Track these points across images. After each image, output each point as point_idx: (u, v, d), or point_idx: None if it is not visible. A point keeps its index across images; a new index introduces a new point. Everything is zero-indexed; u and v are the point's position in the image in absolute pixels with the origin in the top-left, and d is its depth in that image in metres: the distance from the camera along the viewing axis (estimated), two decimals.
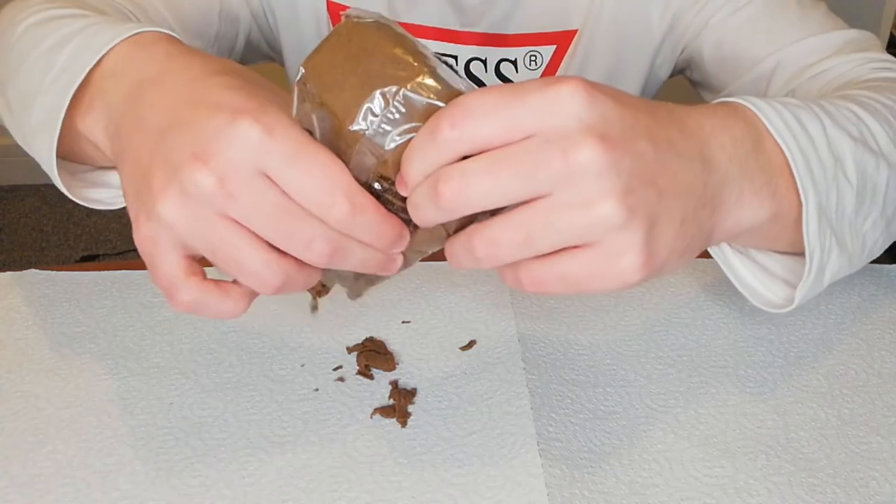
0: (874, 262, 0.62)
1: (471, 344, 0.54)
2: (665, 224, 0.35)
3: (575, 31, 0.69)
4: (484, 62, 0.70)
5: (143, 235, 0.38)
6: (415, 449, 0.46)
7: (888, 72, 0.58)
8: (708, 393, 0.50)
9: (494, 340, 0.54)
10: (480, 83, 0.71)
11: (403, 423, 0.48)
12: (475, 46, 0.69)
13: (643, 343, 0.55)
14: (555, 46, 0.69)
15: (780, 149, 0.41)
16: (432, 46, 0.62)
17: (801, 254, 0.43)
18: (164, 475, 0.45)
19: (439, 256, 0.64)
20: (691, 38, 0.69)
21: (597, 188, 0.33)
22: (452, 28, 0.69)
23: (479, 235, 0.35)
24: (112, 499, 0.44)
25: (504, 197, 0.34)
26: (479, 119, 0.33)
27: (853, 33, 0.63)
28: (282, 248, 0.36)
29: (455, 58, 0.70)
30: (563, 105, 0.33)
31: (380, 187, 0.37)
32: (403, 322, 0.57)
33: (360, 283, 0.45)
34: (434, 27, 0.69)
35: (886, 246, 0.50)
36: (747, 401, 0.50)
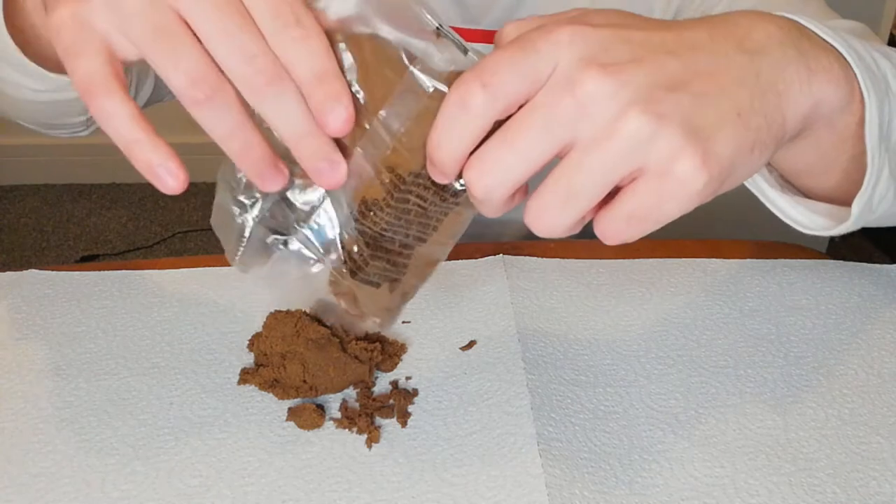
0: (874, 262, 0.62)
1: (471, 344, 0.54)
2: (714, 121, 0.33)
3: None
4: None
5: (67, 16, 0.34)
6: (415, 449, 0.46)
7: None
8: (708, 393, 0.50)
9: (494, 340, 0.54)
10: None
11: (403, 424, 0.48)
12: (478, 44, 0.69)
13: (643, 343, 0.55)
14: None
15: (829, 44, 0.39)
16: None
17: (840, 202, 0.43)
18: (164, 475, 0.45)
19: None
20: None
21: (613, 110, 0.32)
22: (455, 25, 0.69)
23: (527, 211, 0.34)
24: (112, 499, 0.44)
25: (531, 162, 0.33)
26: (506, 74, 0.32)
27: (850, 24, 0.63)
28: (222, 54, 0.33)
29: None
30: (563, 50, 0.32)
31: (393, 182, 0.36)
32: (403, 322, 0.57)
33: (395, 295, 0.42)
34: None
35: None
36: (747, 401, 0.50)
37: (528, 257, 0.63)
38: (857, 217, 0.43)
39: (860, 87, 0.40)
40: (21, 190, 2.31)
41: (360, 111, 0.35)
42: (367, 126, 0.36)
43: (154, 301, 0.60)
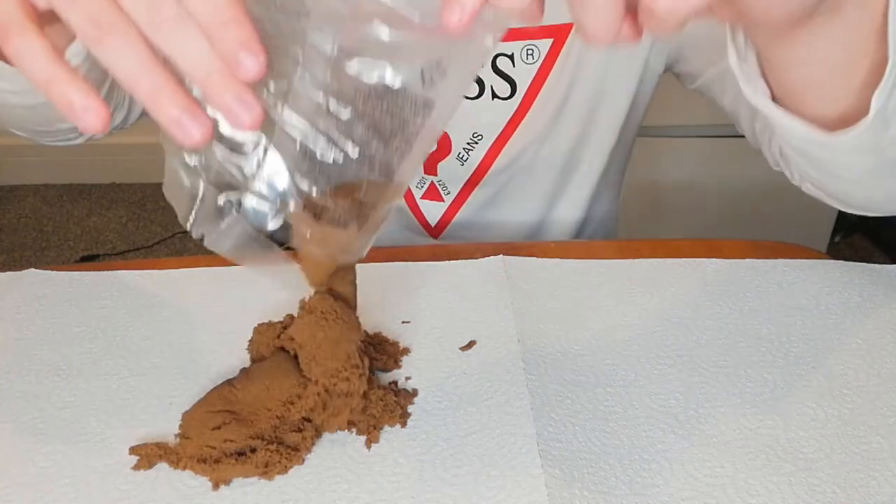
0: (874, 262, 0.62)
1: (471, 344, 0.54)
2: None
3: (571, 25, 0.69)
4: None
5: None
6: (415, 449, 0.46)
7: None
8: (708, 393, 0.50)
9: (494, 340, 0.54)
10: (477, 78, 0.71)
11: (403, 424, 0.48)
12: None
13: (643, 343, 0.55)
14: (552, 40, 0.69)
15: None
16: None
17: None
18: (164, 475, 0.45)
19: (441, 256, 0.64)
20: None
21: None
22: None
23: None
24: (112, 499, 0.44)
25: None
26: None
27: None
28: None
29: None
30: None
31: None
32: (403, 322, 0.57)
33: (366, 230, 0.40)
34: None
35: None
36: (747, 401, 0.50)
37: (527, 258, 0.63)
38: (875, 114, 0.42)
39: None
40: (21, 190, 2.31)
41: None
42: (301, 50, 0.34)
43: (154, 301, 0.60)
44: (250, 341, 0.53)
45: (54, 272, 0.63)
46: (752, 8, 0.36)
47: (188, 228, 0.38)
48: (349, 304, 0.51)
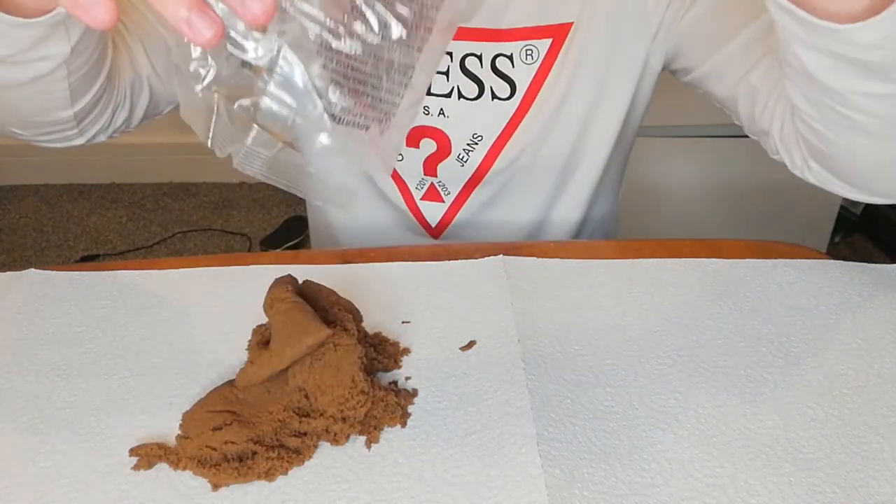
0: (874, 262, 0.62)
1: (471, 344, 0.54)
2: None
3: (570, 24, 0.69)
4: (479, 57, 0.70)
5: None
6: (415, 449, 0.46)
7: None
8: (708, 393, 0.50)
9: (494, 340, 0.54)
10: (477, 79, 0.71)
11: (403, 424, 0.48)
12: (470, 42, 0.69)
13: (643, 343, 0.55)
14: (551, 40, 0.69)
15: None
16: None
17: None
18: (164, 475, 0.45)
19: (441, 256, 0.64)
20: (682, 19, 0.68)
21: None
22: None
23: None
24: (112, 499, 0.44)
25: None
26: None
27: None
28: None
29: (450, 54, 0.70)
30: None
31: None
32: (403, 322, 0.57)
33: (389, 133, 0.38)
34: None
35: None
36: (747, 401, 0.50)
37: (527, 258, 0.63)
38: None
39: None
40: (21, 190, 2.31)
41: None
42: None
43: (154, 301, 0.60)
44: (250, 342, 0.53)
45: (54, 272, 0.63)
46: None
47: (210, 145, 0.36)
48: (349, 309, 0.51)
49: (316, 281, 0.53)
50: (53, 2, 0.43)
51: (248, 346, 0.53)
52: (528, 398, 0.49)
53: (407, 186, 0.78)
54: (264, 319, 0.52)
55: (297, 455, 0.45)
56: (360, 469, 0.45)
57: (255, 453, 0.45)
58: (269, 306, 0.49)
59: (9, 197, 2.30)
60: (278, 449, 0.45)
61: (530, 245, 0.66)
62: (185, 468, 0.45)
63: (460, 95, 0.71)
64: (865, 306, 0.58)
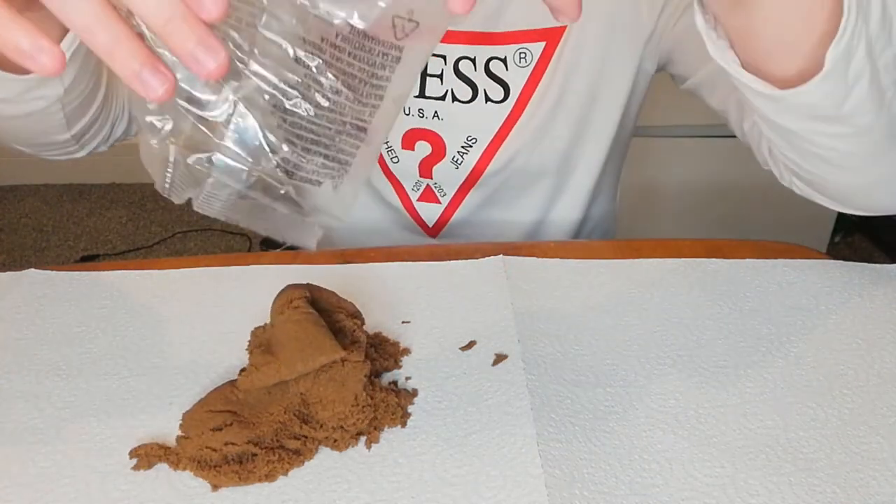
0: (874, 262, 0.62)
1: (471, 344, 0.54)
2: None
3: (564, 27, 0.69)
4: (473, 60, 0.70)
5: None
6: (415, 449, 0.46)
7: None
8: (708, 393, 0.50)
9: (494, 340, 0.54)
10: (470, 82, 0.71)
11: (403, 424, 0.48)
12: (464, 45, 0.69)
13: (643, 343, 0.55)
14: (544, 43, 0.69)
15: None
16: None
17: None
18: (164, 475, 0.45)
19: (441, 256, 0.64)
20: (675, 25, 0.69)
21: None
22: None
23: None
24: (112, 499, 0.44)
25: None
26: None
27: None
28: None
29: (444, 57, 0.70)
30: None
31: None
32: (403, 322, 0.57)
33: (342, 190, 0.38)
34: None
35: (891, 119, 0.49)
36: (747, 401, 0.50)
37: (527, 258, 0.63)
38: (830, 71, 0.43)
39: None
40: (21, 190, 2.31)
41: None
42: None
43: (154, 301, 0.60)
44: (250, 343, 0.53)
45: (54, 272, 0.63)
46: None
47: (167, 194, 0.37)
48: (351, 312, 0.51)
49: (316, 280, 0.53)
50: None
51: (248, 347, 0.53)
52: (528, 398, 0.49)
53: (403, 188, 0.79)
54: (264, 320, 0.52)
55: (298, 456, 0.45)
56: (360, 469, 0.45)
57: (255, 455, 0.45)
58: (278, 310, 0.48)
59: (9, 197, 2.30)
60: (278, 451, 0.45)
61: (530, 245, 0.66)
62: (185, 468, 0.45)
63: (454, 98, 0.71)
64: (865, 306, 0.58)
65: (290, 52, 0.34)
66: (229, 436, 0.45)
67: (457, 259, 0.64)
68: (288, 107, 0.35)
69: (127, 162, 2.28)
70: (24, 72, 0.49)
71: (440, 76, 0.70)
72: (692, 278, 0.61)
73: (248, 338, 0.53)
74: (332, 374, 0.46)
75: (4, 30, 0.32)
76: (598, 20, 0.68)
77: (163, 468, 0.45)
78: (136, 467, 0.45)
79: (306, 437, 0.46)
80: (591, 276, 0.62)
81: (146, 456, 0.45)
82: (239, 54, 0.34)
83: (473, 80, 0.71)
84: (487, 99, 0.71)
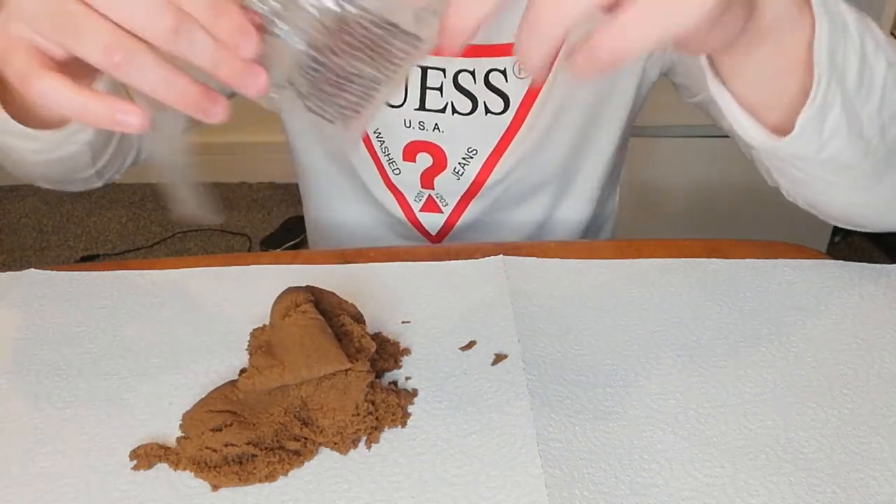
0: (874, 262, 0.62)
1: (470, 344, 0.54)
2: None
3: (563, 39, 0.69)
4: (472, 73, 0.70)
5: None
6: (414, 449, 0.46)
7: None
8: (708, 393, 0.50)
9: (494, 340, 0.54)
10: (470, 94, 0.71)
11: (403, 424, 0.48)
12: (463, 58, 0.70)
13: (643, 343, 0.55)
14: None
15: None
16: None
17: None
18: (164, 475, 0.45)
19: (441, 256, 0.64)
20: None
21: None
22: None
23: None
24: (112, 499, 0.44)
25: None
26: None
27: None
28: (125, 20, 0.36)
29: (443, 70, 0.70)
30: None
31: None
32: (403, 322, 0.57)
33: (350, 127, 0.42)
34: None
35: (877, 161, 0.51)
36: (747, 401, 0.50)
37: (528, 258, 0.63)
38: (800, 131, 0.46)
39: (812, 11, 0.43)
40: (21, 190, 2.31)
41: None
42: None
43: (154, 301, 0.60)
44: (249, 345, 0.53)
45: (54, 272, 0.63)
46: (688, 45, 0.40)
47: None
48: (353, 314, 0.51)
49: (316, 280, 0.53)
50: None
51: (248, 348, 0.53)
52: (528, 398, 0.49)
53: (405, 198, 0.79)
54: (264, 320, 0.52)
55: (298, 457, 0.45)
56: (360, 469, 0.45)
57: (254, 456, 0.45)
58: (282, 313, 0.48)
59: (9, 197, 2.30)
60: (278, 452, 0.45)
61: (530, 245, 0.66)
62: (185, 469, 0.45)
63: (454, 110, 0.72)
64: (865, 306, 0.58)
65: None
66: (229, 436, 0.45)
67: (457, 259, 0.64)
68: (317, 45, 0.38)
69: None
70: (60, 124, 0.54)
71: (440, 89, 0.71)
72: (692, 278, 0.61)
73: (248, 338, 0.54)
74: (335, 381, 0.46)
75: (96, 109, 0.38)
76: None
77: (163, 468, 0.45)
78: (136, 467, 0.45)
79: (306, 438, 0.46)
80: (591, 276, 0.62)
81: (146, 456, 0.45)
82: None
83: (473, 92, 0.71)
84: (487, 111, 0.71)
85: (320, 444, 0.46)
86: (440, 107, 0.72)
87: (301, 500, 0.43)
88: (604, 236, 0.89)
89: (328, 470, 0.45)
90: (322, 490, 0.44)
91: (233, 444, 0.45)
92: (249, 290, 0.60)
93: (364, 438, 0.47)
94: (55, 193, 2.31)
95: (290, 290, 0.50)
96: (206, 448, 0.45)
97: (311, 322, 0.47)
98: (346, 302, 0.52)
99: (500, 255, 0.63)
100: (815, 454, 0.46)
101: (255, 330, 0.53)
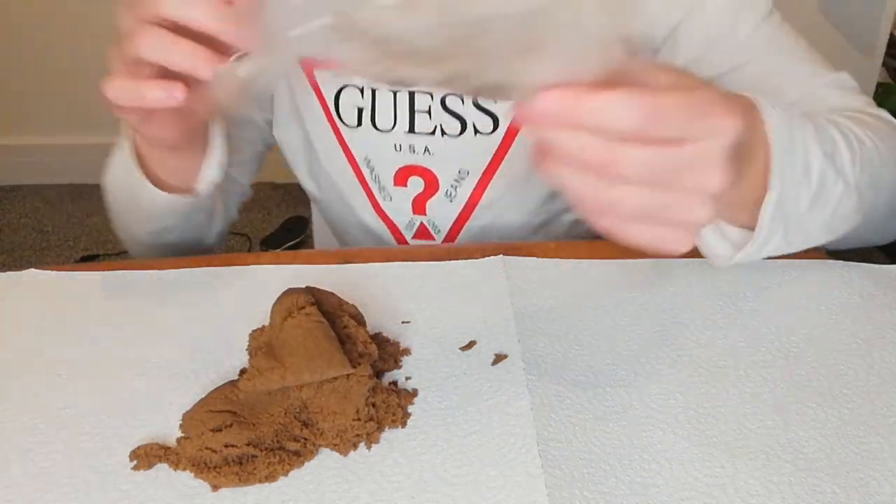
0: (874, 262, 0.62)
1: (470, 344, 0.54)
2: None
3: None
4: (460, 95, 0.70)
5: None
6: (415, 449, 0.46)
7: (869, 107, 0.65)
8: (708, 393, 0.50)
9: (494, 340, 0.54)
10: (459, 116, 0.71)
11: (403, 424, 0.48)
12: None
13: (643, 343, 0.55)
14: None
15: (769, 144, 0.47)
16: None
17: (751, 228, 0.50)
18: (164, 475, 0.45)
19: (441, 256, 0.64)
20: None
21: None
22: None
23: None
24: (112, 499, 0.44)
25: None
26: (663, 122, 0.36)
27: (833, 77, 0.68)
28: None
29: (430, 94, 0.71)
30: (718, 138, 0.37)
31: None
32: (403, 322, 0.57)
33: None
34: None
35: (830, 240, 0.56)
36: (747, 401, 0.50)
37: (527, 258, 0.63)
38: (739, 261, 0.52)
39: (769, 181, 0.47)
40: (21, 190, 2.31)
41: None
42: None
43: (154, 301, 0.60)
44: (249, 346, 0.53)
45: (54, 272, 0.63)
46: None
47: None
48: (354, 315, 0.51)
49: (316, 280, 0.53)
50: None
51: (248, 350, 0.53)
52: (528, 398, 0.49)
53: (397, 227, 0.79)
54: (264, 320, 0.52)
55: (298, 457, 0.45)
56: (361, 469, 0.45)
57: (254, 457, 0.45)
58: (284, 314, 0.48)
59: (9, 197, 2.30)
60: (279, 452, 0.45)
61: (530, 245, 0.66)
62: (185, 469, 0.45)
63: (444, 132, 0.72)
64: (865, 306, 0.58)
65: None
66: (229, 437, 0.45)
67: (457, 259, 0.64)
68: None
69: None
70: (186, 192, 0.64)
71: (428, 112, 0.71)
72: (692, 278, 0.61)
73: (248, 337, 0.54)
74: (336, 385, 0.46)
75: (146, 91, 0.49)
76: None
77: (163, 468, 0.45)
78: (136, 467, 0.45)
79: (306, 439, 0.46)
80: (591, 276, 0.62)
81: (146, 456, 0.45)
82: None
83: (461, 113, 0.71)
84: (477, 131, 0.72)
85: (320, 445, 0.46)
86: (430, 129, 0.72)
87: (301, 500, 0.43)
88: (602, 237, 0.89)
89: (328, 470, 0.45)
90: (322, 490, 0.44)
91: (233, 445, 0.45)
92: (249, 290, 0.60)
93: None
94: (55, 193, 2.32)
95: (290, 292, 0.49)
96: (206, 448, 0.45)
97: (316, 325, 0.47)
98: (347, 303, 0.52)
99: (500, 255, 0.63)
100: (815, 454, 0.46)
101: (254, 331, 0.53)
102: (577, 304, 0.58)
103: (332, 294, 0.51)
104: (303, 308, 0.48)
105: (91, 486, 0.44)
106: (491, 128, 0.72)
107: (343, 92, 0.73)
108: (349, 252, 0.66)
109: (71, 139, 2.26)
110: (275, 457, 0.45)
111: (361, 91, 0.72)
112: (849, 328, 0.56)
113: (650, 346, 0.54)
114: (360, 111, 0.72)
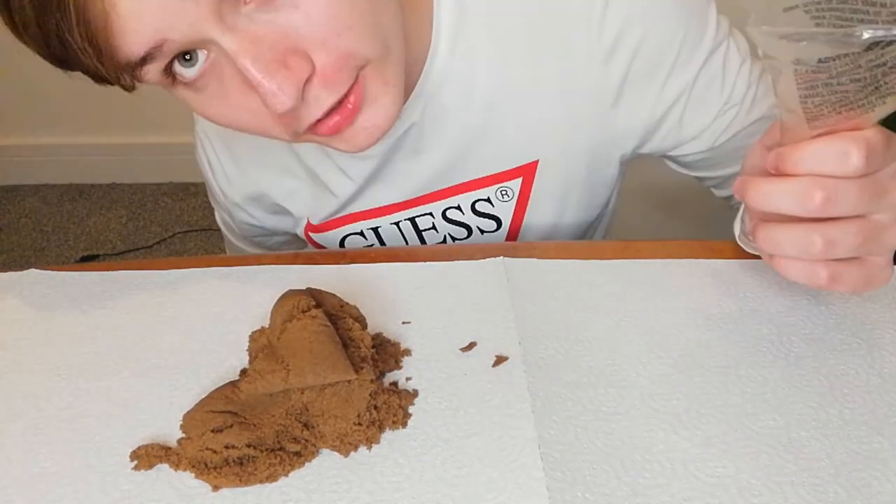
0: None
1: (471, 345, 0.54)
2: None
3: (536, 162, 0.70)
4: (459, 207, 0.74)
5: None
6: (415, 450, 0.46)
7: None
8: (709, 393, 0.50)
9: (495, 342, 0.54)
10: (463, 224, 0.74)
11: (404, 424, 0.48)
12: (445, 199, 0.73)
13: (644, 344, 0.54)
14: (521, 178, 0.71)
15: None
16: (406, 206, 0.73)
17: None
18: (165, 475, 0.45)
19: (441, 256, 0.64)
20: (671, 147, 0.72)
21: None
22: (423, 193, 0.73)
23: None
24: (112, 499, 0.43)
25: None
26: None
27: None
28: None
29: (430, 213, 0.74)
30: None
31: None
32: (403, 322, 0.57)
33: None
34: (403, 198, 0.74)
35: None
36: (748, 401, 0.50)
37: (528, 258, 0.63)
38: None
39: None
40: (21, 190, 2.31)
41: None
42: None
43: (154, 301, 0.60)
44: (249, 348, 0.53)
45: (54, 272, 0.63)
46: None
47: None
48: (355, 316, 0.51)
49: (316, 281, 0.53)
50: None
51: (248, 351, 0.53)
52: (529, 400, 0.49)
53: None
54: (264, 320, 0.52)
55: (298, 458, 0.45)
56: (361, 469, 0.45)
57: (255, 458, 0.44)
58: (284, 317, 0.48)
59: (9, 197, 2.30)
60: (279, 453, 0.45)
61: (531, 245, 0.66)
62: (185, 469, 0.45)
63: (454, 239, 0.76)
64: (865, 306, 0.58)
65: None
66: (230, 437, 0.45)
67: (457, 259, 0.64)
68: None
69: (127, 162, 2.28)
70: None
71: (433, 228, 0.75)
72: (692, 278, 0.61)
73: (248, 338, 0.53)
74: (337, 388, 0.46)
75: None
76: (564, 149, 0.70)
77: (163, 468, 0.45)
78: (136, 467, 0.45)
79: (307, 440, 0.46)
80: (591, 276, 0.62)
81: (146, 456, 0.45)
82: None
83: (465, 221, 0.74)
84: (483, 231, 0.75)
85: (321, 446, 0.46)
86: (439, 240, 0.76)
87: (302, 501, 0.43)
88: (599, 233, 0.90)
89: (329, 470, 0.45)
90: (322, 490, 0.44)
91: (233, 446, 0.44)
92: (249, 291, 0.60)
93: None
94: (55, 193, 2.32)
95: (291, 294, 0.49)
96: (207, 449, 0.45)
97: (322, 329, 0.47)
98: (348, 304, 0.51)
99: (501, 256, 0.63)
100: (816, 454, 0.46)
101: (253, 333, 0.53)
102: (577, 304, 0.58)
103: (333, 295, 0.51)
104: (307, 311, 0.48)
105: (91, 486, 0.44)
106: (495, 227, 0.75)
107: (346, 240, 0.77)
108: (349, 252, 0.66)
109: (71, 139, 2.26)
110: (275, 457, 0.45)
111: (362, 233, 0.76)
112: (849, 328, 0.56)
113: (651, 346, 0.54)
114: (370, 246, 0.77)
